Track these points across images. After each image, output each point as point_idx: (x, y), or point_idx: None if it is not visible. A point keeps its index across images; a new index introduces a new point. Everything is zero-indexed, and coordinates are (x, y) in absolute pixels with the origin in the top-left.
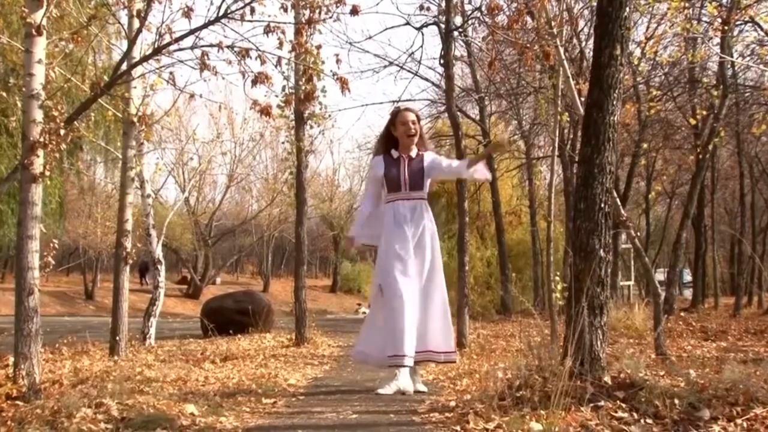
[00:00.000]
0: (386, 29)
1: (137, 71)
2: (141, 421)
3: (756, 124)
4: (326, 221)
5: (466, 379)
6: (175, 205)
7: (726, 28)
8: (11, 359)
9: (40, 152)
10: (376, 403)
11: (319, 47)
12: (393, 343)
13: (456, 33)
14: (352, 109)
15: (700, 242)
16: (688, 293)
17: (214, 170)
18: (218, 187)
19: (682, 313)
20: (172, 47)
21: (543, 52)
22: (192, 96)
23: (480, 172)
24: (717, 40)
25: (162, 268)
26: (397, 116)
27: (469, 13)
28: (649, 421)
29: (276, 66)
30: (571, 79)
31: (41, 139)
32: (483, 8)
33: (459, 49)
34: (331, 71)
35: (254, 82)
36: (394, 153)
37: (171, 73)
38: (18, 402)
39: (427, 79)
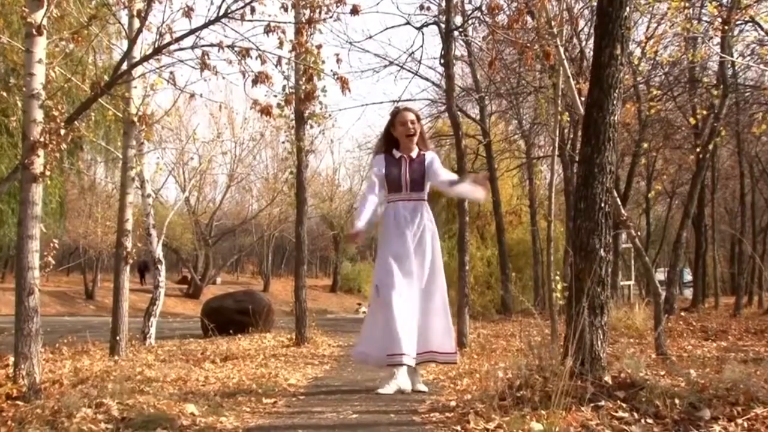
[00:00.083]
0: (386, 29)
1: (137, 71)
2: (141, 421)
3: (756, 124)
4: (326, 221)
5: (467, 378)
6: (176, 204)
7: (726, 27)
8: (11, 359)
9: (41, 152)
10: (377, 402)
11: (319, 47)
12: (391, 343)
13: (456, 33)
14: (353, 108)
15: (700, 242)
16: (688, 293)
17: (215, 170)
18: (218, 186)
19: (682, 313)
20: (172, 47)
21: (543, 51)
22: (192, 96)
23: (468, 192)
24: (717, 39)
25: (162, 268)
26: (396, 116)
27: (470, 12)
28: (650, 420)
29: (276, 66)
30: (571, 79)
31: (42, 139)
32: (483, 8)
33: (459, 49)
34: (331, 71)
35: (254, 82)
36: (396, 153)
37: (171, 72)
38: (18, 402)
39: (427, 79)
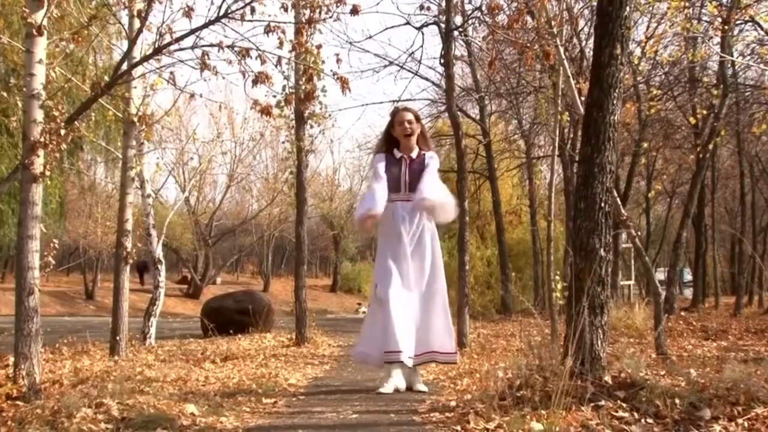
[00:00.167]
0: (386, 29)
1: (138, 71)
2: (141, 421)
3: (756, 124)
4: (326, 221)
5: (467, 378)
6: (176, 204)
7: (726, 27)
8: (11, 359)
9: (41, 152)
10: (377, 402)
11: (319, 47)
12: (388, 340)
13: (456, 33)
14: (353, 108)
15: (700, 241)
16: (688, 292)
17: (215, 170)
18: (218, 186)
19: (682, 313)
20: (172, 47)
21: (543, 51)
22: (192, 96)
23: (437, 210)
24: (717, 39)
25: (162, 268)
26: (395, 116)
27: (470, 12)
28: (650, 420)
29: (276, 66)
30: (571, 79)
31: (42, 139)
32: (483, 8)
33: (459, 49)
34: (331, 71)
35: (254, 82)
36: (396, 153)
37: (171, 72)
38: (18, 402)
39: (427, 79)
